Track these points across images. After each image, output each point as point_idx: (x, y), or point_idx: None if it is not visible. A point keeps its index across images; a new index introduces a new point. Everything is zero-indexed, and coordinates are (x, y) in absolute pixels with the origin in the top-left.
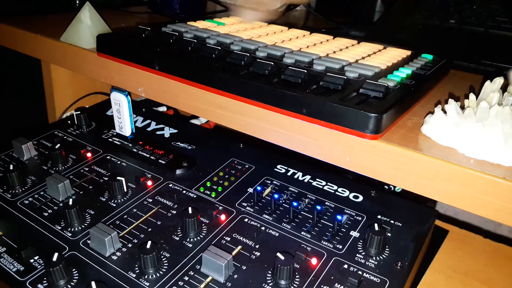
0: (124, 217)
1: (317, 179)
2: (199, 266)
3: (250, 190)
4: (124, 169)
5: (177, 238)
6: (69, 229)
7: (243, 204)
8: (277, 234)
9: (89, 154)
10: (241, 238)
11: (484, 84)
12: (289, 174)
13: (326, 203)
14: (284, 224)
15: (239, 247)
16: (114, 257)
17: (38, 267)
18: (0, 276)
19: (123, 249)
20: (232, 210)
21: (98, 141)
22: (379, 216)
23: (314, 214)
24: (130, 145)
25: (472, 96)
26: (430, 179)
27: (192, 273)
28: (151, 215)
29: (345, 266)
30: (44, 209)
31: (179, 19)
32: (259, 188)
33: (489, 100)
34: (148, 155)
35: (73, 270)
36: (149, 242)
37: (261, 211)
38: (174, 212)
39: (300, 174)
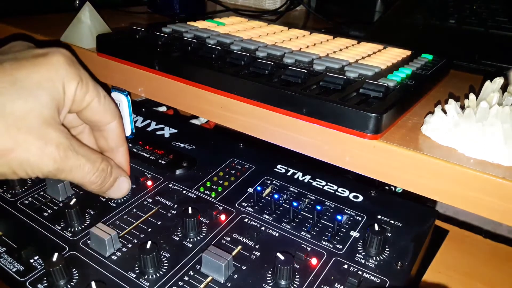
0: (124, 217)
1: (317, 179)
2: (199, 266)
3: (250, 190)
4: None
5: (177, 238)
6: (69, 229)
7: (243, 204)
8: (277, 234)
9: None
10: (241, 238)
11: (484, 84)
12: (289, 174)
13: (326, 203)
14: (284, 224)
15: (239, 247)
16: (114, 257)
17: (38, 267)
18: (0, 276)
19: (123, 249)
20: (232, 210)
21: None
22: (379, 216)
23: (314, 214)
24: (130, 145)
25: (472, 96)
26: (430, 179)
27: (192, 273)
28: (151, 215)
29: (345, 266)
30: (44, 209)
31: (179, 19)
32: (259, 188)
33: (489, 100)
34: (148, 155)
35: (73, 270)
36: (149, 242)
37: (261, 211)
38: (174, 212)
39: (300, 174)
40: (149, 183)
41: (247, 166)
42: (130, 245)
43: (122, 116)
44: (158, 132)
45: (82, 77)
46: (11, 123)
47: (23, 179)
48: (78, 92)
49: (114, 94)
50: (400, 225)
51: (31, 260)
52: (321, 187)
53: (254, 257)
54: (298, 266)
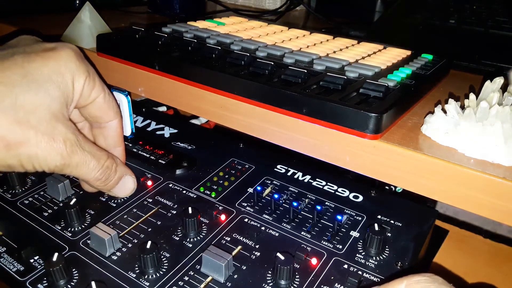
0: (124, 217)
1: (317, 179)
2: (199, 266)
3: (250, 190)
4: None
5: (177, 238)
6: (69, 229)
7: (243, 204)
8: (277, 234)
9: None
10: (241, 238)
11: (484, 84)
12: (289, 174)
13: (326, 203)
14: (284, 224)
15: (239, 247)
16: (114, 257)
17: (38, 267)
18: (0, 276)
19: (123, 249)
20: (232, 210)
21: None
22: (379, 216)
23: (314, 214)
24: (130, 145)
25: (472, 96)
26: (430, 179)
27: (192, 273)
28: (151, 215)
29: (345, 266)
30: (44, 209)
31: (179, 19)
32: (259, 188)
33: (489, 100)
34: (148, 155)
35: (73, 270)
36: (149, 242)
37: (261, 211)
38: (174, 212)
39: (300, 174)
40: (149, 183)
41: (247, 166)
42: (130, 245)
43: (122, 116)
44: (158, 132)
45: (90, 72)
46: (21, 116)
47: (23, 178)
48: (86, 87)
49: (114, 94)
50: (400, 225)
51: (31, 260)
52: (321, 187)
53: (254, 257)
54: (298, 266)
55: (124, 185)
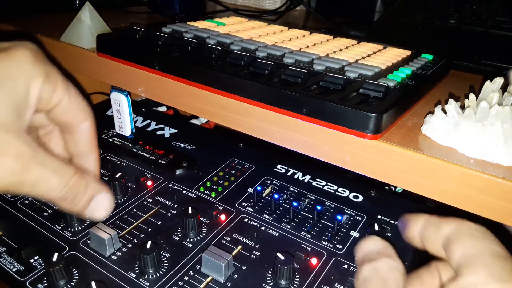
0: (124, 217)
1: (317, 179)
2: (199, 266)
3: (250, 190)
4: (124, 169)
5: (177, 238)
6: (69, 229)
7: (243, 204)
8: (277, 234)
9: None
10: (241, 238)
11: (484, 84)
12: (289, 174)
13: (326, 203)
14: (284, 224)
15: (239, 247)
16: (114, 257)
17: (38, 267)
18: (0, 276)
19: (123, 249)
20: (232, 210)
21: (98, 141)
22: (379, 216)
23: (314, 214)
24: (130, 145)
25: (472, 96)
26: (430, 179)
27: (192, 273)
28: (151, 215)
29: (345, 266)
30: (44, 209)
31: (179, 19)
32: (259, 188)
33: (489, 100)
34: (148, 155)
35: (73, 270)
36: (149, 242)
37: (261, 211)
38: (174, 212)
39: (300, 174)
40: (149, 183)
41: (247, 166)
42: (130, 245)
43: (122, 116)
44: (158, 132)
45: (50, 73)
46: None
47: None
48: (45, 90)
49: (114, 94)
50: None
51: (31, 260)
52: (321, 187)
53: (254, 257)
54: (298, 266)
55: (97, 206)
